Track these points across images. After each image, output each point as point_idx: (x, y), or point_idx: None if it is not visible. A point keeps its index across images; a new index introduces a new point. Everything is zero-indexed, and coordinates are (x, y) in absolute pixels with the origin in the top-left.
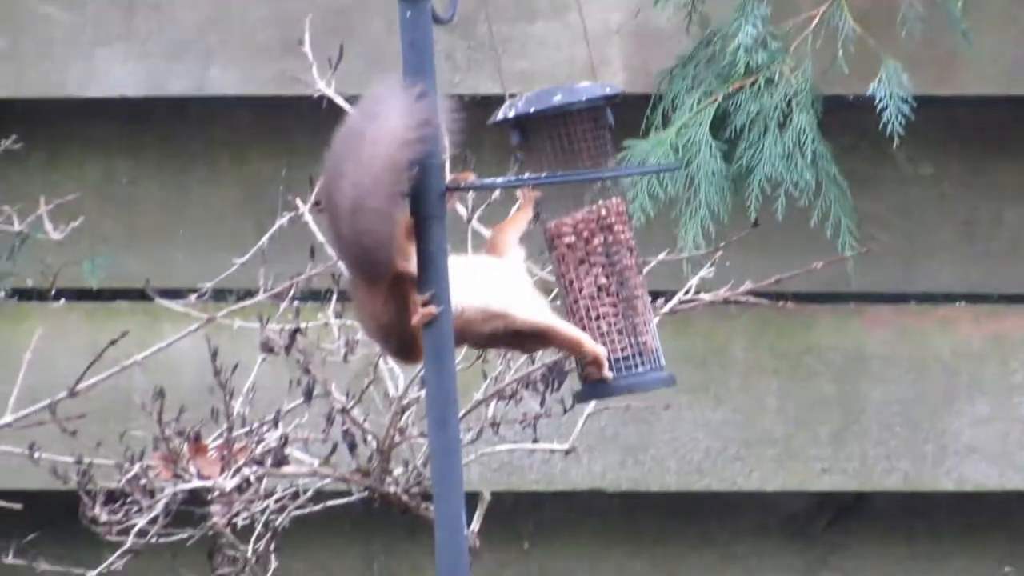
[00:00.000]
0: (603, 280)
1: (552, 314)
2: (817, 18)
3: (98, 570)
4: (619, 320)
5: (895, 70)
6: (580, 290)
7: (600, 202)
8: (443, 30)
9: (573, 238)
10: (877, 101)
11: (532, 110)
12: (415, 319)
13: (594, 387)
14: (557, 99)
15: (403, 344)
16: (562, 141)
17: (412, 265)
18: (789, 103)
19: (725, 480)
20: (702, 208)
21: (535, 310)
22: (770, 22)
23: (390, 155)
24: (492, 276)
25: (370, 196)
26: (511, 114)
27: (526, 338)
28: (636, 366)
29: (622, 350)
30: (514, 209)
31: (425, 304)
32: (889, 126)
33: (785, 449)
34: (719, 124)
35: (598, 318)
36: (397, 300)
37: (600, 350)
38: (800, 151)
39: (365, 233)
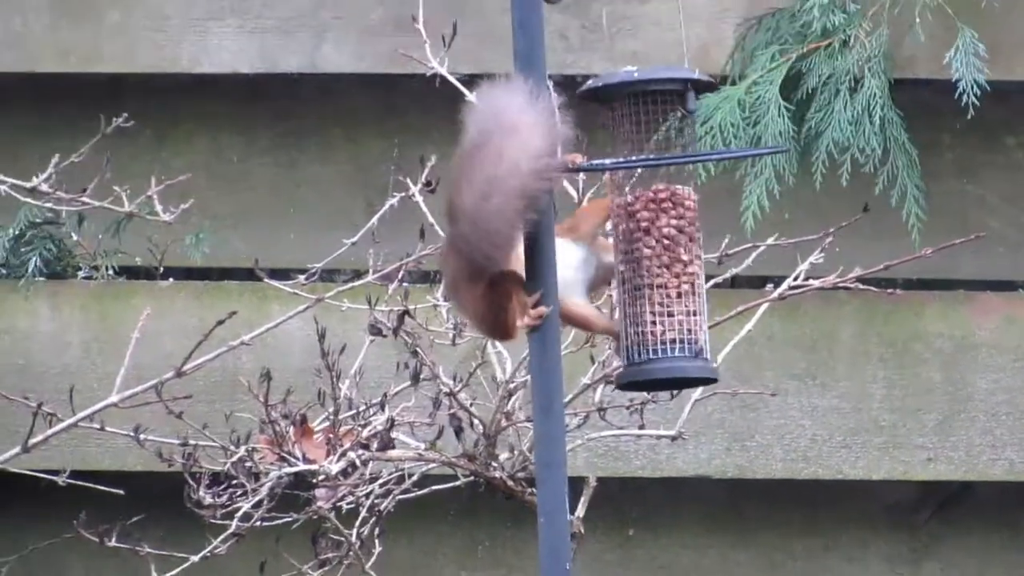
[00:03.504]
0: (621, 268)
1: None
2: None
3: (202, 554)
4: (629, 307)
5: (971, 40)
6: (616, 275)
7: (634, 191)
8: (557, 9)
9: (610, 224)
10: (953, 72)
11: (601, 84)
12: (525, 320)
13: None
14: (617, 78)
15: (498, 325)
16: (633, 121)
17: (520, 265)
18: (863, 68)
19: (830, 468)
20: (767, 169)
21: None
22: None
23: (524, 185)
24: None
25: (495, 217)
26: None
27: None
28: (638, 355)
29: (627, 338)
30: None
31: (535, 305)
32: (964, 97)
33: (891, 437)
34: (791, 84)
35: (618, 304)
36: (497, 295)
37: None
38: (869, 117)
39: (479, 250)
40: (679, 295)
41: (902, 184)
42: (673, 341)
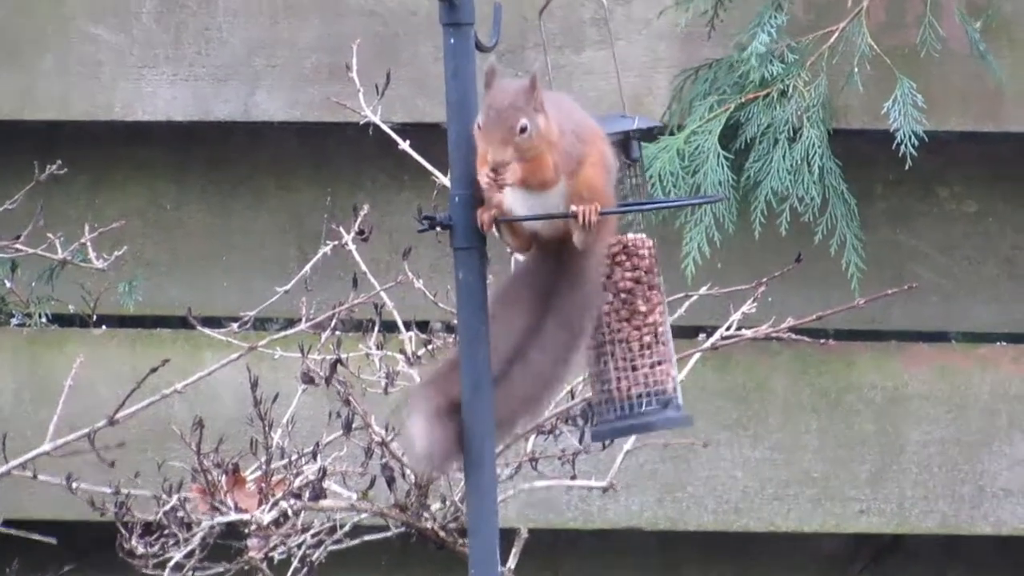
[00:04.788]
0: None
1: None
2: (836, 33)
3: None
4: (593, 366)
5: (909, 90)
6: None
7: None
8: (488, 58)
9: None
10: (891, 121)
11: None
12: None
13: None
14: None
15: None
16: None
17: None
18: (801, 117)
19: (763, 520)
20: (707, 217)
21: None
22: (790, 36)
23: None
24: None
25: None
26: None
27: None
28: (604, 413)
29: (595, 395)
30: None
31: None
32: (902, 147)
33: (823, 489)
34: (730, 134)
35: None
36: None
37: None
38: (808, 166)
39: None
40: (641, 347)
41: (841, 233)
42: (639, 396)
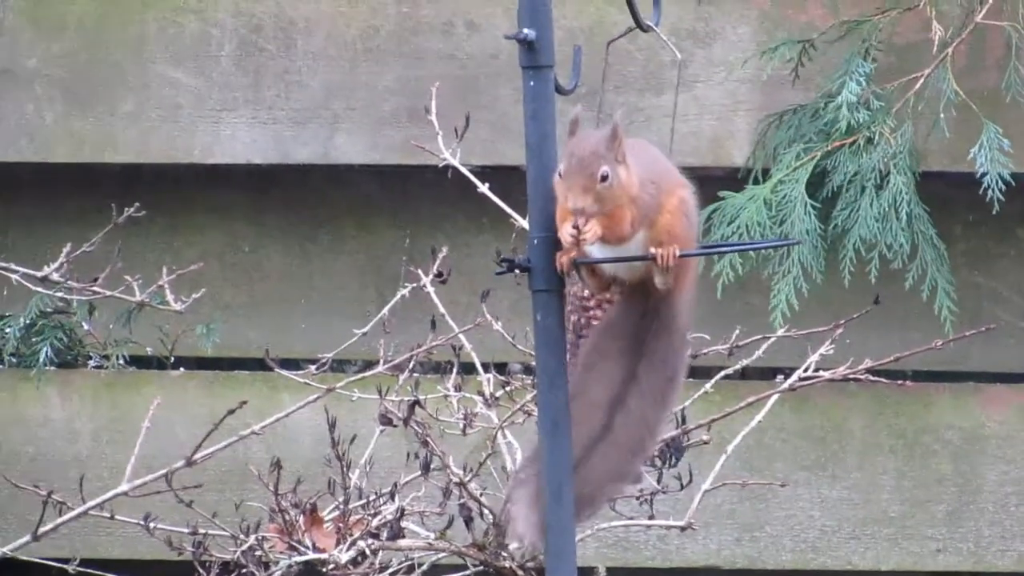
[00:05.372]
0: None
1: None
2: (921, 80)
3: None
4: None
5: (996, 135)
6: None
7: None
8: (568, 101)
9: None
10: (977, 167)
11: None
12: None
13: None
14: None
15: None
16: None
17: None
18: (888, 164)
19: (840, 559)
20: (795, 267)
21: None
22: (875, 81)
23: None
24: None
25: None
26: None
27: None
28: None
29: None
30: None
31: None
32: (989, 192)
33: (900, 529)
34: (816, 182)
35: None
36: None
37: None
38: (896, 213)
39: None
40: None
41: (932, 279)
42: None
